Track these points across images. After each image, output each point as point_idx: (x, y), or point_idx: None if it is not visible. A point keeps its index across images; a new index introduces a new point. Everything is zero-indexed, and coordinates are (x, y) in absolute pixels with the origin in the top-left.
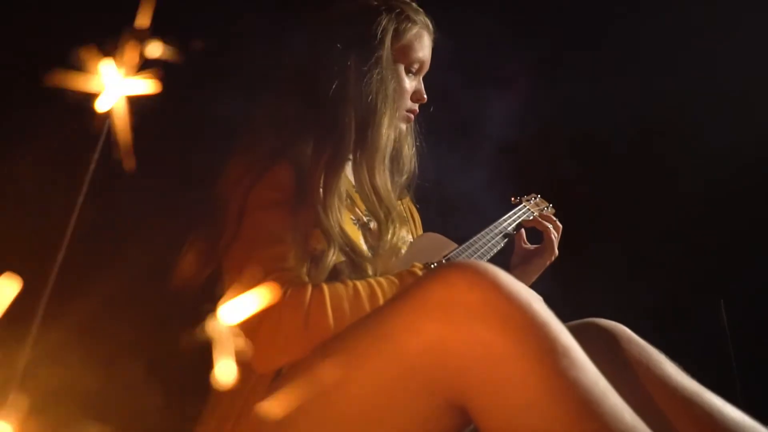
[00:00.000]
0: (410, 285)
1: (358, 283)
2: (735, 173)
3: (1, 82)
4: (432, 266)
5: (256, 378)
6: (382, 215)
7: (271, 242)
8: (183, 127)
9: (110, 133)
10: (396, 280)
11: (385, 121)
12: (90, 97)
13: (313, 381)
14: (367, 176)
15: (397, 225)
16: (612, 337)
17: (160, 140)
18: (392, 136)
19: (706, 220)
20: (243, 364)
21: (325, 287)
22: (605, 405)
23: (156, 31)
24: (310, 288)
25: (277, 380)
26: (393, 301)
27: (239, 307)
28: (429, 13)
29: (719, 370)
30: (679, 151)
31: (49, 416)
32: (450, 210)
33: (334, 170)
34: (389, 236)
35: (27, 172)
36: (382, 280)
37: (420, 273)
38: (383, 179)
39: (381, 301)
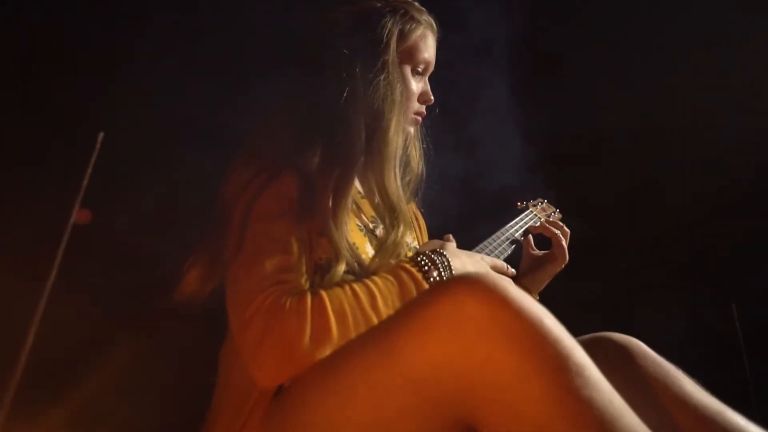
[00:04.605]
0: (417, 298)
1: (355, 285)
2: (747, 176)
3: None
4: (419, 257)
5: (258, 393)
6: (388, 218)
7: (275, 252)
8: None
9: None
10: (390, 277)
11: (392, 127)
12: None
13: (317, 397)
14: (377, 185)
15: (403, 227)
16: (626, 353)
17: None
18: (400, 142)
19: (716, 224)
20: (245, 378)
21: (324, 293)
22: (621, 425)
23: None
24: (309, 296)
25: (279, 396)
26: (399, 315)
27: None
28: (432, 11)
29: (732, 374)
30: (689, 155)
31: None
32: (458, 214)
33: (344, 187)
34: (394, 236)
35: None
36: (376, 278)
37: (409, 267)
38: (394, 187)
39: (379, 300)
